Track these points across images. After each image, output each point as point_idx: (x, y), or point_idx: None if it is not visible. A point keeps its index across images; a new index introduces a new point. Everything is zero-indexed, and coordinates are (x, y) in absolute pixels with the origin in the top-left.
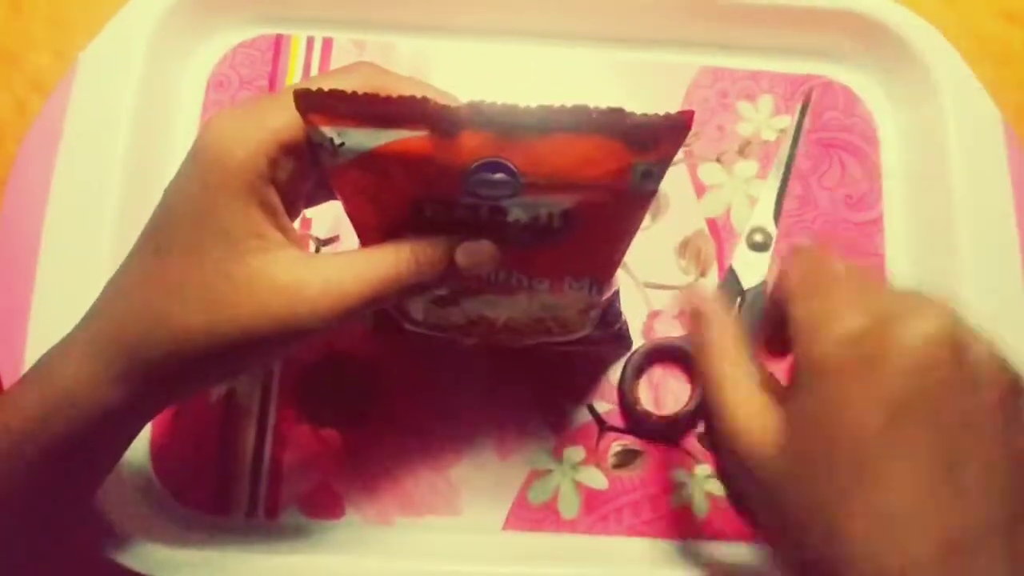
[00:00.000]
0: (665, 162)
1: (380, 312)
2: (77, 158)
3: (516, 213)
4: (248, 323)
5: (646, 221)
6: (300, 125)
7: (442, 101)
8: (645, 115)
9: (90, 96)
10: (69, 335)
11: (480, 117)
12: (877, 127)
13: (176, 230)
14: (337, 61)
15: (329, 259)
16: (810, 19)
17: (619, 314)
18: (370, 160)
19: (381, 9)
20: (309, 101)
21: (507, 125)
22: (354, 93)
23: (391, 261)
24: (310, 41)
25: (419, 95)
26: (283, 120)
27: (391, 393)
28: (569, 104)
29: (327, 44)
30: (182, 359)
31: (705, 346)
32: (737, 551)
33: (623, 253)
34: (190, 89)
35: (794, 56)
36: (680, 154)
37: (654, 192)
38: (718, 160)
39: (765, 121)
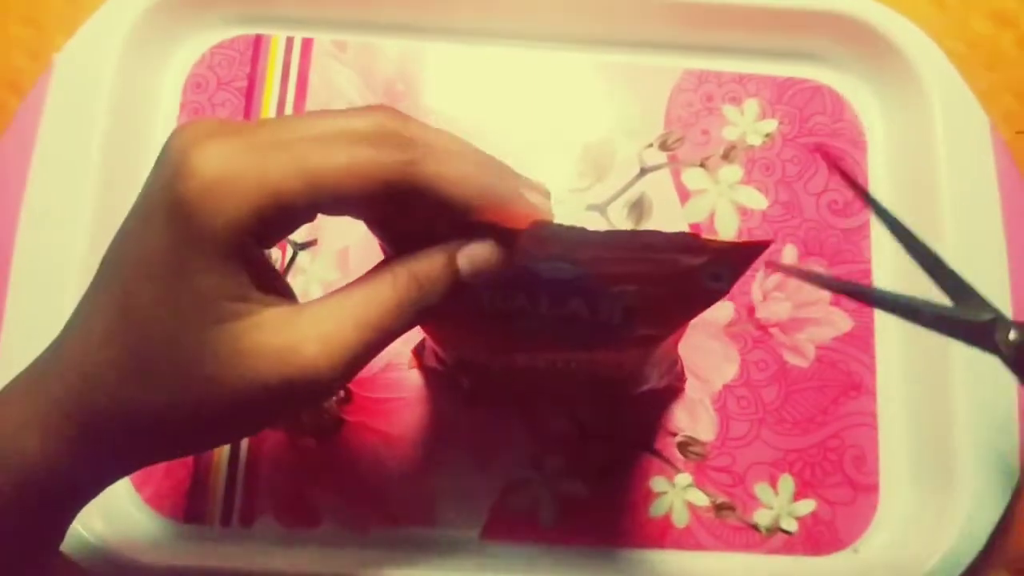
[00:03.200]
0: (737, 273)
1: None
2: (52, 160)
3: (576, 305)
4: (237, 397)
5: (629, 227)
6: (303, 180)
7: (503, 221)
8: (718, 243)
9: (66, 97)
10: (23, 389)
11: (544, 236)
12: (864, 131)
13: (144, 292)
14: (317, 62)
15: (320, 308)
16: (797, 21)
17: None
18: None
19: (362, 9)
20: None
21: (572, 244)
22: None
23: (389, 292)
24: (289, 41)
25: (449, 147)
26: (282, 174)
27: (367, 401)
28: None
29: (307, 44)
30: (152, 449)
31: None
32: (717, 562)
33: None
34: (167, 90)
35: (781, 59)
36: (663, 158)
37: (724, 292)
38: (702, 165)
39: (751, 125)
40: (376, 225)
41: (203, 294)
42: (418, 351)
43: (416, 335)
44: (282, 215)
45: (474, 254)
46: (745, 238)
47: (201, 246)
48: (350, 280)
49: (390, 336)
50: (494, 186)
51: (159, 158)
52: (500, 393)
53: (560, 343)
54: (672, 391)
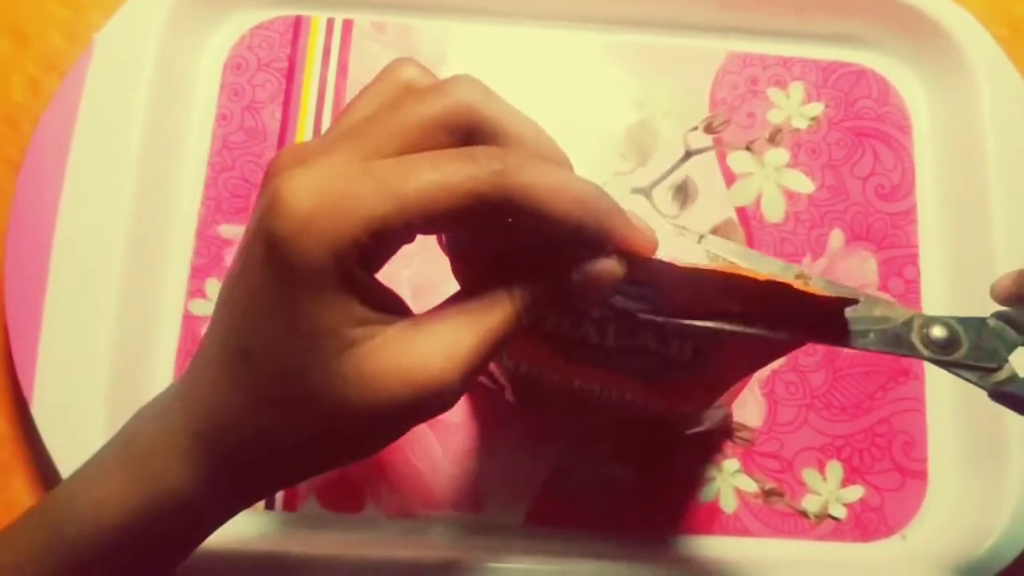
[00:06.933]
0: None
1: None
2: (93, 139)
3: (646, 339)
4: (368, 420)
5: (674, 210)
6: (394, 204)
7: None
8: (804, 295)
9: (106, 77)
10: (156, 415)
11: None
12: (910, 115)
13: (261, 334)
14: (357, 43)
15: (438, 321)
16: (842, 4)
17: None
18: None
19: None
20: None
21: (661, 280)
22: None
23: (505, 302)
24: (330, 23)
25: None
26: (372, 202)
27: None
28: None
29: (347, 26)
30: (286, 476)
31: None
32: (765, 548)
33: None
34: (207, 71)
35: (826, 42)
36: (708, 141)
37: (801, 343)
38: (748, 148)
39: (796, 109)
40: (463, 249)
41: (318, 328)
42: None
43: None
44: (378, 242)
45: (595, 270)
46: (793, 224)
47: (305, 282)
48: (394, 263)
49: (503, 345)
50: (593, 197)
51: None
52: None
53: (621, 372)
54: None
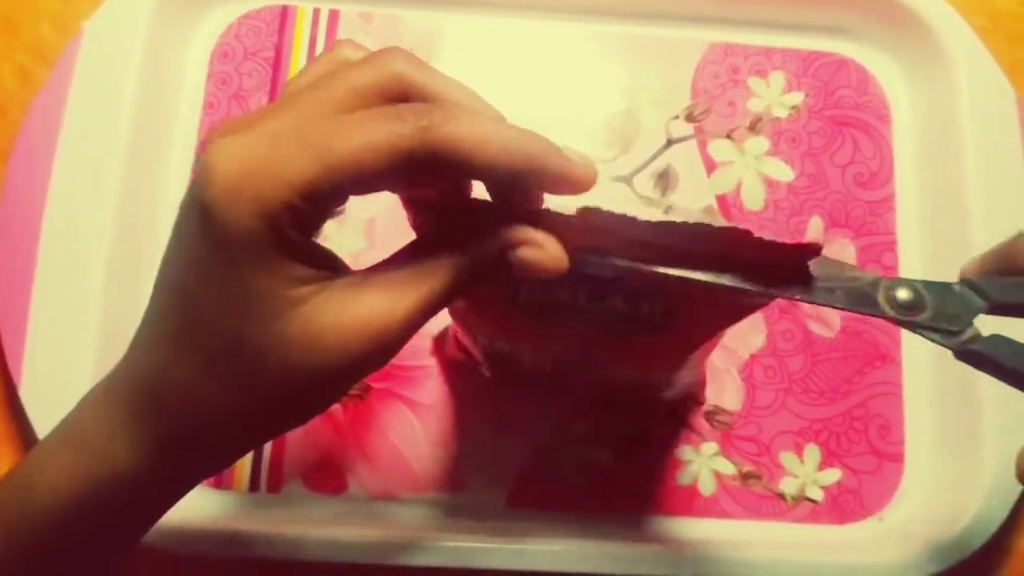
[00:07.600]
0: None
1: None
2: (82, 127)
3: (615, 301)
4: (317, 377)
5: (655, 197)
6: (321, 166)
7: (550, 209)
8: (767, 243)
9: (95, 65)
10: (103, 394)
11: (592, 224)
12: (890, 105)
13: (204, 302)
14: (343, 33)
15: (382, 277)
16: None
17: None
18: None
19: None
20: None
21: (621, 232)
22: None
23: (446, 261)
24: (316, 13)
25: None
26: (300, 165)
27: (393, 368)
28: (689, 220)
29: (333, 16)
30: (238, 446)
31: None
32: (743, 530)
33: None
34: (195, 60)
35: (806, 32)
36: (689, 130)
37: (766, 304)
38: (729, 136)
39: (776, 98)
40: (415, 205)
41: (256, 293)
42: (439, 340)
43: (435, 324)
44: (309, 204)
45: (528, 256)
46: (773, 212)
47: (238, 248)
48: (374, 250)
49: (444, 305)
50: (522, 143)
51: None
52: (523, 384)
53: (595, 333)
54: (693, 399)
